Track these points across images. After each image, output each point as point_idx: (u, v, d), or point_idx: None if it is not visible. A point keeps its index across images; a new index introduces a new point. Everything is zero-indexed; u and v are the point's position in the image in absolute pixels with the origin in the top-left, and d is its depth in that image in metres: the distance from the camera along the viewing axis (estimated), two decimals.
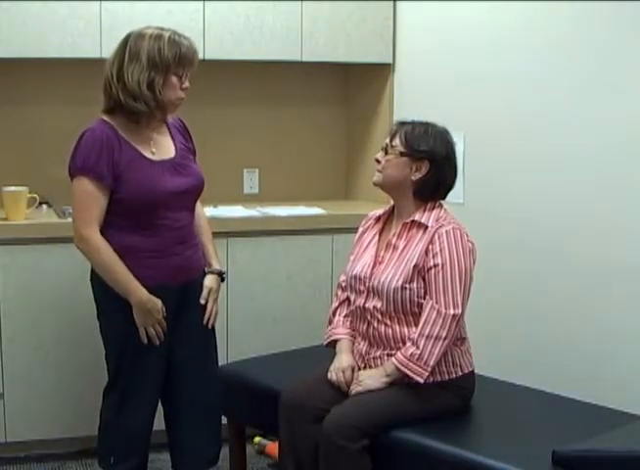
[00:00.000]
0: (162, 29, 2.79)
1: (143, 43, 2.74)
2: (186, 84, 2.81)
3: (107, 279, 2.76)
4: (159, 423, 2.98)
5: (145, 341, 2.79)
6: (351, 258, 2.95)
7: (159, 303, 2.78)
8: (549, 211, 3.38)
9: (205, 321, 2.95)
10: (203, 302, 2.94)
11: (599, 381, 3.16)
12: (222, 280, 3.05)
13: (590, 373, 3.20)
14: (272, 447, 3.55)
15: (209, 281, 2.98)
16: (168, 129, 2.93)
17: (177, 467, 3.04)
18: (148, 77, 2.73)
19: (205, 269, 3.00)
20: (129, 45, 2.76)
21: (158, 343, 2.80)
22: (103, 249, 2.73)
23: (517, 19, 3.51)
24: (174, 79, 2.77)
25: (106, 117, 2.80)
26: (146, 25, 2.81)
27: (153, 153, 2.83)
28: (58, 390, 3.58)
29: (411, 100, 4.09)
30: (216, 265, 3.03)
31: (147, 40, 2.74)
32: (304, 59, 4.04)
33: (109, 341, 2.89)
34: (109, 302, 2.83)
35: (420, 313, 2.72)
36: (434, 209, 2.80)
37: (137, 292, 2.75)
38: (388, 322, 2.77)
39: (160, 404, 2.99)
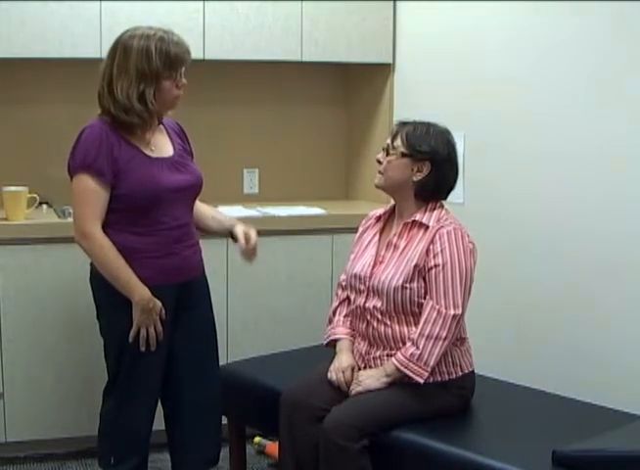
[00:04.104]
0: (150, 30, 2.73)
1: (131, 52, 2.69)
2: (182, 81, 2.79)
3: (109, 277, 2.75)
4: (159, 423, 2.99)
5: (131, 340, 2.76)
6: (352, 257, 2.95)
7: (159, 303, 2.78)
8: (549, 212, 3.38)
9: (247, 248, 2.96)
10: (243, 242, 2.94)
11: (599, 381, 3.15)
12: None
13: (590, 373, 3.20)
14: (272, 447, 3.55)
15: (239, 228, 2.98)
16: (166, 130, 2.92)
17: (177, 467, 3.04)
18: (138, 90, 2.70)
19: (228, 225, 3.01)
20: (117, 55, 2.72)
21: (153, 348, 2.78)
22: (106, 246, 2.72)
23: (517, 19, 3.51)
24: (167, 84, 2.74)
25: (105, 117, 2.79)
26: (134, 27, 2.77)
27: (152, 150, 2.82)
28: (58, 390, 3.58)
29: (411, 100, 4.09)
30: (231, 220, 3.04)
31: (135, 49, 2.69)
32: (304, 59, 4.04)
33: (108, 341, 2.89)
34: (109, 303, 2.83)
35: (420, 313, 2.72)
36: (435, 209, 2.80)
37: (140, 290, 2.74)
38: (388, 322, 2.77)
39: (160, 404, 2.99)
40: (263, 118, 4.38)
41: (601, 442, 2.47)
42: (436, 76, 3.91)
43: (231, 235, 3.03)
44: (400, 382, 2.71)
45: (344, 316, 2.96)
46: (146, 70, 2.70)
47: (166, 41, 2.73)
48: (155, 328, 2.78)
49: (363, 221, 3.02)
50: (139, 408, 2.89)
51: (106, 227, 2.75)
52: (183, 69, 2.79)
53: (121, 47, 2.72)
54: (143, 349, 2.77)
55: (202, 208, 3.05)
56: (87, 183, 2.72)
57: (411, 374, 2.67)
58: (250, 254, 2.99)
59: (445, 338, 2.67)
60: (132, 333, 2.76)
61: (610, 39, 3.12)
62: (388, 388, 2.72)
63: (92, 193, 2.72)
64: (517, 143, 3.52)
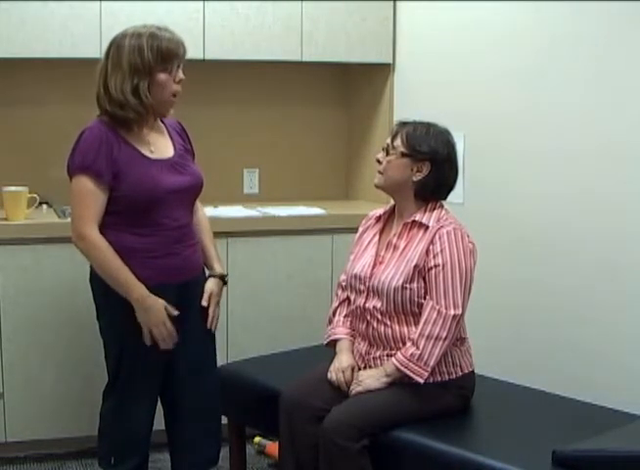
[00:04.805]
0: (144, 27, 2.75)
1: (123, 48, 2.71)
2: (180, 76, 2.79)
3: (106, 277, 2.75)
4: (159, 423, 2.98)
5: (148, 343, 2.76)
6: (351, 257, 2.95)
7: (160, 301, 2.76)
8: (549, 212, 3.38)
9: (208, 325, 2.94)
10: (205, 303, 2.92)
11: (599, 381, 3.15)
12: (224, 283, 3.02)
13: (590, 373, 3.20)
14: (272, 447, 3.55)
15: (211, 284, 2.96)
16: (167, 130, 2.93)
17: (178, 467, 3.04)
18: (131, 84, 2.71)
19: (207, 273, 3.00)
20: (111, 54, 2.74)
21: (166, 347, 2.76)
22: (102, 247, 2.72)
23: (517, 18, 3.51)
24: (163, 77, 2.74)
25: (104, 117, 2.80)
26: (130, 26, 2.78)
27: (152, 151, 2.82)
28: (57, 390, 3.58)
29: (411, 100, 4.09)
30: (218, 269, 3.01)
31: (127, 44, 2.71)
32: (304, 59, 4.04)
33: (108, 342, 2.88)
34: (108, 303, 2.83)
35: (420, 313, 2.72)
36: (434, 209, 2.80)
37: (137, 289, 2.73)
38: (388, 322, 2.77)
39: (160, 404, 2.99)
40: (263, 118, 4.38)
41: (601, 442, 2.47)
42: (436, 76, 3.91)
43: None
44: (400, 382, 2.71)
45: (344, 316, 2.96)
46: (138, 64, 2.71)
47: (158, 37, 2.74)
48: (165, 327, 2.75)
49: (363, 221, 3.02)
50: (139, 408, 2.88)
51: (106, 228, 2.75)
52: (179, 63, 2.79)
53: (115, 46, 2.74)
54: (160, 345, 2.75)
55: (203, 232, 3.02)
56: (85, 184, 2.72)
57: (411, 374, 2.67)
58: (211, 322, 2.95)
59: (445, 338, 2.67)
60: (146, 337, 2.75)
61: (610, 37, 3.12)
62: (388, 388, 2.71)
63: (90, 194, 2.72)
64: (517, 143, 3.52)
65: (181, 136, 2.97)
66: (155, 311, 2.75)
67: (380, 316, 2.78)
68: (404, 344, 2.72)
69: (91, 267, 2.84)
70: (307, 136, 4.48)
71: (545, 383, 3.10)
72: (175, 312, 2.77)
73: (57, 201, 3.72)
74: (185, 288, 2.87)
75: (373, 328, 2.80)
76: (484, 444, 2.60)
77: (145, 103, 2.74)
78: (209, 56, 3.81)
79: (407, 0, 4.09)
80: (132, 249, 2.76)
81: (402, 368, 2.68)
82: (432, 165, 2.77)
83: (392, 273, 2.76)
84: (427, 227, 2.76)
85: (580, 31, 3.24)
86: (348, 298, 2.95)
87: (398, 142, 2.80)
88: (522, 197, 3.50)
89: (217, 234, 3.20)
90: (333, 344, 2.94)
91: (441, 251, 2.71)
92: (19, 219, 3.51)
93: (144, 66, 2.71)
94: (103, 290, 2.81)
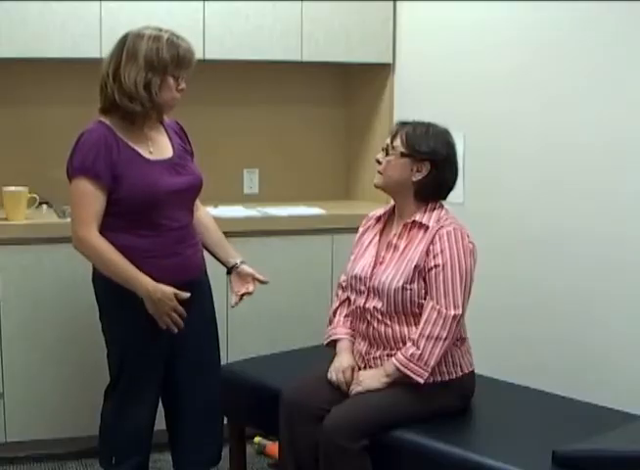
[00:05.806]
0: (161, 30, 2.78)
1: (141, 44, 2.74)
2: (182, 85, 2.81)
3: (111, 275, 2.75)
4: (160, 423, 2.98)
5: (164, 327, 2.75)
6: (352, 257, 2.95)
7: (168, 289, 2.74)
8: (549, 212, 3.38)
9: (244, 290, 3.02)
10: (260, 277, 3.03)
11: (599, 381, 3.16)
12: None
13: (591, 373, 3.20)
14: (272, 447, 3.55)
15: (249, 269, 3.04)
16: (165, 131, 2.93)
17: (179, 467, 3.04)
18: (145, 78, 2.73)
19: (234, 262, 3.02)
20: (127, 45, 2.75)
21: (175, 330, 2.76)
22: (102, 247, 2.72)
23: (516, 18, 3.52)
24: (171, 81, 2.77)
25: (103, 119, 2.80)
26: (144, 26, 2.81)
27: (151, 152, 2.83)
28: (58, 390, 3.58)
29: (411, 100, 4.09)
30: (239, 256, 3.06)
31: (145, 41, 2.74)
32: (304, 59, 4.04)
33: (110, 341, 2.89)
34: (110, 302, 2.84)
35: (420, 314, 2.72)
36: (434, 209, 2.80)
37: (142, 283, 2.72)
38: (389, 322, 2.77)
39: (161, 404, 2.99)
40: (263, 119, 4.38)
41: (601, 442, 2.47)
42: (436, 76, 3.91)
43: (230, 269, 3.03)
44: (400, 382, 2.71)
45: (345, 317, 2.95)
46: (154, 61, 2.73)
47: (176, 44, 2.77)
48: (177, 311, 2.75)
49: (363, 222, 3.02)
50: (140, 408, 2.89)
51: (107, 230, 2.75)
52: (186, 73, 2.81)
53: (131, 41, 2.76)
54: (171, 329, 2.75)
55: (209, 225, 3.05)
56: (84, 186, 2.72)
57: (411, 374, 2.67)
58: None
59: (445, 338, 2.67)
60: (161, 325, 2.75)
61: (611, 36, 3.12)
62: (389, 388, 2.71)
63: (89, 196, 2.73)
64: (517, 143, 3.52)
65: (180, 136, 2.98)
66: (165, 301, 2.73)
67: (380, 317, 2.78)
68: (404, 344, 2.72)
69: (94, 267, 2.85)
70: (307, 136, 4.48)
71: (545, 383, 3.10)
72: (186, 295, 2.77)
73: (57, 201, 3.72)
74: (186, 288, 2.86)
75: (373, 328, 2.80)
76: (484, 444, 2.60)
77: (153, 99, 2.75)
78: (209, 56, 3.80)
79: (407, 0, 4.10)
80: (133, 249, 2.76)
81: (402, 368, 2.68)
82: (431, 166, 2.77)
83: (393, 274, 2.76)
84: (427, 227, 2.76)
85: (581, 31, 3.23)
86: (349, 298, 2.95)
87: (398, 142, 2.80)
88: (522, 197, 3.50)
89: None
90: (333, 344, 2.94)
91: (442, 251, 2.71)
92: (19, 219, 3.51)
93: (159, 63, 2.73)
94: (105, 290, 2.82)
